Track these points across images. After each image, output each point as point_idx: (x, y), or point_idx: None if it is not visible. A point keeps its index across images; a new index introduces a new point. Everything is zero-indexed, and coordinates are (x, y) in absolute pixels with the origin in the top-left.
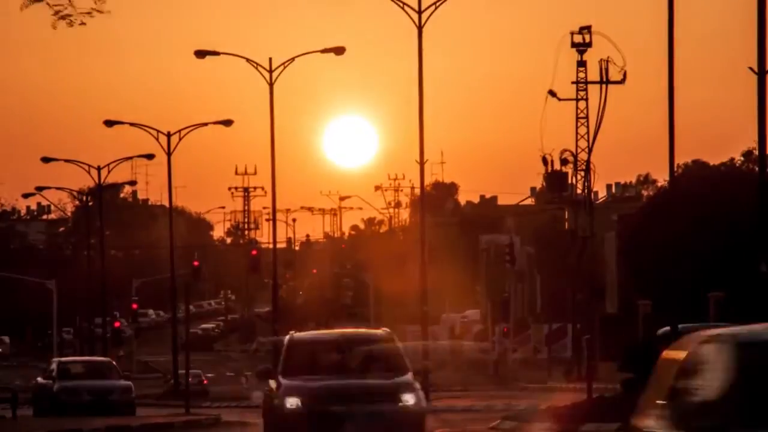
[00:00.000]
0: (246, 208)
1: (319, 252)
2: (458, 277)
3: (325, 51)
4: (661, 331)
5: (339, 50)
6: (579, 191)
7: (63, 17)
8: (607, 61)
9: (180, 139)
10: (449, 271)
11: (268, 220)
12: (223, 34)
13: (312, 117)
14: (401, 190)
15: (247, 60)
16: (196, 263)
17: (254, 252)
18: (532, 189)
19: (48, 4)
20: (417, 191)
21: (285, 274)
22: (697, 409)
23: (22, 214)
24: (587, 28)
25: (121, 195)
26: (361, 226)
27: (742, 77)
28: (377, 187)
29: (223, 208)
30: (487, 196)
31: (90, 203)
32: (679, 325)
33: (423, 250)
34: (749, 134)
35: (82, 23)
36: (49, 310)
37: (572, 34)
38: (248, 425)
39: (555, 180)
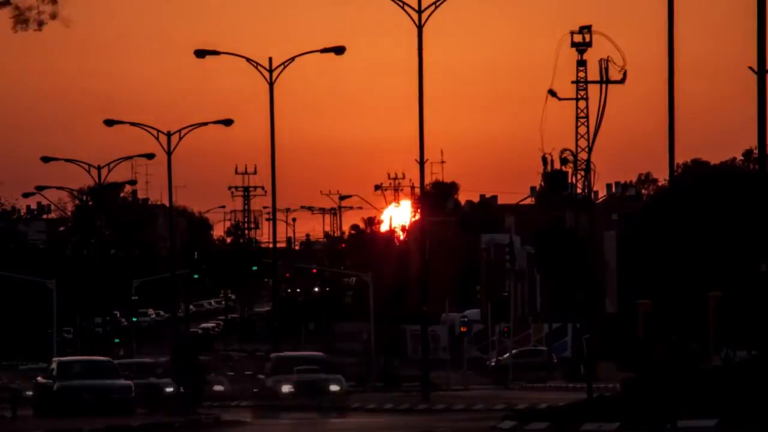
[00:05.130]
0: (246, 207)
1: (319, 252)
2: (458, 277)
3: (325, 51)
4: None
5: (339, 50)
6: (579, 191)
7: (22, 21)
8: (607, 61)
9: (180, 139)
10: (449, 271)
11: (268, 219)
12: (223, 34)
13: (312, 117)
14: (401, 190)
15: (247, 59)
16: (195, 256)
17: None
18: (532, 189)
19: (17, 7)
20: (417, 191)
21: (285, 274)
22: None
23: (22, 214)
24: (587, 28)
25: (121, 195)
26: (361, 225)
27: (743, 77)
28: (377, 187)
29: (223, 207)
30: (487, 195)
31: (90, 203)
32: None
33: (423, 250)
34: (750, 134)
35: (37, 29)
36: (49, 310)
37: (572, 33)
38: (247, 425)
39: (555, 179)
